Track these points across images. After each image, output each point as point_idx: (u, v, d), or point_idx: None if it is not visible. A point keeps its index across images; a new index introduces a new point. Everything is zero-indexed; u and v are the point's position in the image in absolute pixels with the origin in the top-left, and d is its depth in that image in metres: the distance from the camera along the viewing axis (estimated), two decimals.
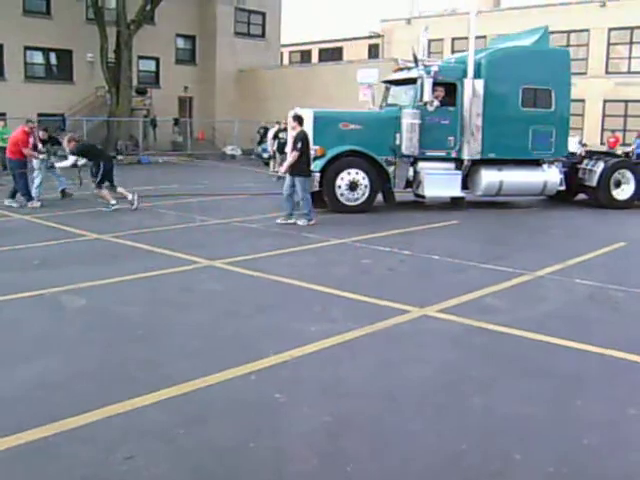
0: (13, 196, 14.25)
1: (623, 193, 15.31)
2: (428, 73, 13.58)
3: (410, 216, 13.34)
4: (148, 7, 32.48)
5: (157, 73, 37.26)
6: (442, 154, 14.21)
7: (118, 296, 7.18)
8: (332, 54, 48.29)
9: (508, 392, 4.75)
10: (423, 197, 14.41)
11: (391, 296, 7.06)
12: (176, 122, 36.04)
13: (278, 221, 12.02)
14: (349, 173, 13.41)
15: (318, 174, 13.14)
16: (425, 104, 13.74)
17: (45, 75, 33.70)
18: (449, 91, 14.08)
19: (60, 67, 34.16)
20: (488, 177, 14.43)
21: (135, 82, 34.17)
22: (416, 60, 14.37)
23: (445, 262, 8.98)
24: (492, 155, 14.39)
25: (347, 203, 13.48)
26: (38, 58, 33.58)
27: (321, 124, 13.49)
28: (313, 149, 12.83)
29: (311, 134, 12.90)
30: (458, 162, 14.29)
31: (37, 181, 14.45)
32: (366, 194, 13.56)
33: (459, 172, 14.23)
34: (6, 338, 5.80)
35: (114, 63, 32.26)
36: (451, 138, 14.10)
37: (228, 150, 33.28)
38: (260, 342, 5.64)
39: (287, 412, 4.36)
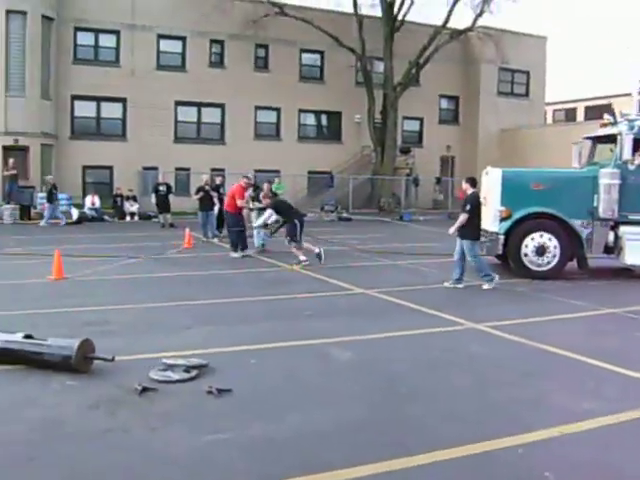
0: (235, 247, 15.34)
1: None
2: (631, 129, 12.36)
3: None
4: (414, 70, 33.61)
5: (420, 133, 38.21)
6: None
7: (383, 352, 7.32)
8: (599, 111, 46.07)
9: None
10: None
11: None
12: (438, 181, 36.54)
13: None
14: (539, 236, 12.45)
15: (502, 237, 12.41)
16: (625, 163, 12.42)
17: (316, 135, 36.10)
18: None
19: (330, 128, 36.42)
20: None
21: (399, 141, 35.31)
22: (614, 115, 13.10)
23: None
24: None
25: (533, 268, 12.49)
26: (310, 120, 36.08)
27: (510, 184, 12.67)
28: (498, 210, 12.32)
29: (499, 194, 12.48)
30: None
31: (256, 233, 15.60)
32: (555, 259, 12.49)
33: None
34: (279, 384, 6.13)
35: (380, 123, 33.66)
36: None
37: None
38: (526, 413, 5.41)
39: None
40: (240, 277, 12.67)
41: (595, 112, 46.30)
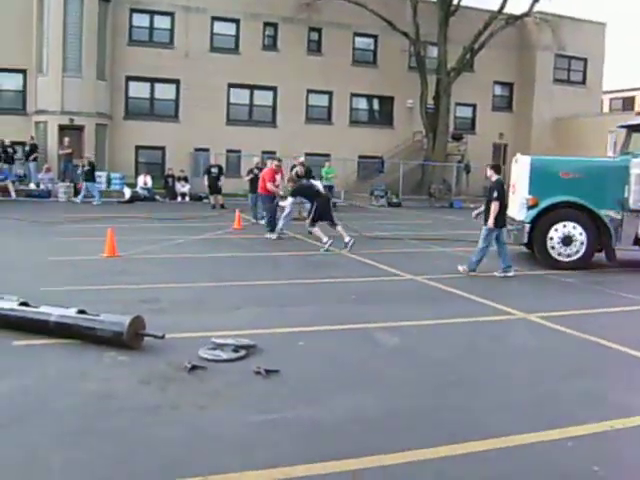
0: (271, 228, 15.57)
1: None
2: None
3: None
4: (468, 55, 33.13)
5: (473, 119, 37.73)
6: None
7: (431, 338, 7.29)
8: None
9: None
10: None
11: None
12: None
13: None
14: (564, 226, 12.21)
15: (528, 225, 12.18)
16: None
17: (367, 120, 35.91)
18: None
19: (382, 112, 36.19)
20: None
21: (451, 128, 34.93)
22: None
23: None
24: None
25: (559, 259, 12.26)
26: (362, 104, 35.89)
27: (538, 172, 12.43)
28: (525, 199, 12.14)
29: (527, 182, 12.34)
30: None
31: (285, 214, 15.58)
32: (582, 250, 12.22)
33: None
34: (327, 367, 6.15)
35: (433, 109, 33.33)
36: None
37: None
38: (577, 407, 5.31)
39: None
40: (289, 259, 12.73)
41: None
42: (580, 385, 5.89)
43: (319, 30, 33.49)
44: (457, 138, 35.42)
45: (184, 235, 14.95)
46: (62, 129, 27.74)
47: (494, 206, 11.08)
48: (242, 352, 6.17)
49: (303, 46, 33.31)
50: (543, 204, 12.25)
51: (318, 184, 16.44)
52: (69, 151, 26.77)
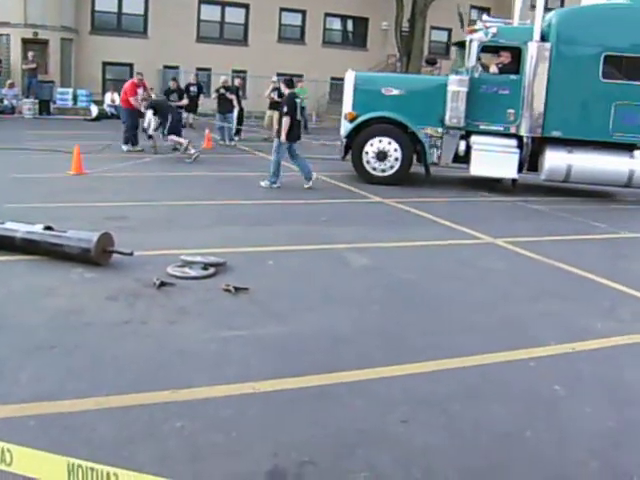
0: (127, 142, 15.66)
1: None
2: (486, 35, 11.98)
3: None
4: None
5: (447, 44, 37.15)
6: (499, 128, 12.36)
7: (399, 260, 7.34)
8: None
9: None
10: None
11: None
12: None
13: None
14: (379, 141, 12.47)
15: (344, 140, 12.59)
16: (472, 70, 12.20)
17: (341, 41, 35.21)
18: (514, 57, 12.17)
19: (356, 34, 35.47)
20: (553, 159, 12.26)
21: (426, 52, 34.40)
22: (461, 20, 13.16)
23: None
24: (557, 133, 12.20)
25: (374, 173, 12.62)
26: (336, 24, 35.13)
27: (361, 88, 12.66)
28: (344, 113, 12.57)
29: (351, 97, 12.58)
30: (520, 139, 12.35)
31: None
32: (397, 165, 12.53)
33: (517, 151, 12.30)
34: (297, 286, 6.18)
35: (407, 32, 32.74)
36: (511, 111, 12.22)
37: None
38: (540, 329, 5.42)
39: (566, 407, 4.12)
40: (257, 179, 12.63)
41: None
42: (543, 308, 6.01)
43: None
44: (431, 63, 34.81)
45: (152, 154, 14.72)
46: (26, 43, 26.75)
47: (285, 120, 11.19)
48: (211, 270, 6.16)
49: None
50: (360, 119, 12.46)
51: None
52: (33, 66, 25.88)
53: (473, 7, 37.09)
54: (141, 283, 5.78)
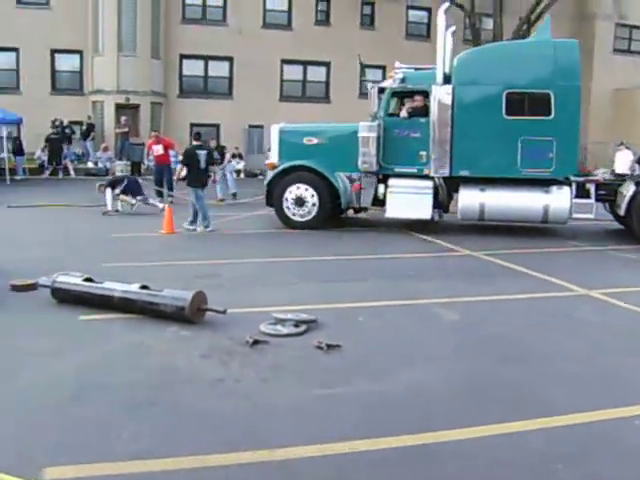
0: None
1: None
2: (395, 81, 12.58)
3: None
4: (525, 27, 32.31)
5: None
6: (413, 171, 12.61)
7: (491, 315, 7.20)
8: None
9: None
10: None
11: None
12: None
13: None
14: (297, 188, 12.94)
15: (266, 188, 13.23)
16: (377, 115, 12.74)
17: None
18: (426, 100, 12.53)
19: None
20: (465, 198, 12.46)
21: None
22: (362, 66, 13.60)
23: None
24: (465, 173, 12.42)
25: (294, 218, 13.03)
26: None
27: (286, 139, 13.33)
28: (265, 164, 13.45)
29: (277, 149, 13.30)
30: (434, 180, 12.57)
31: None
32: (314, 211, 12.94)
33: (430, 192, 12.50)
34: (388, 343, 6.14)
35: None
36: (422, 153, 12.51)
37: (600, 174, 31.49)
38: None
39: None
40: (335, 234, 12.73)
41: None
42: None
43: (372, 3, 33.03)
44: None
45: (240, 212, 15.05)
46: (118, 108, 28.11)
47: (179, 168, 13.36)
48: (303, 327, 6.21)
49: (356, 20, 32.92)
50: (278, 169, 13.15)
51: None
52: (126, 130, 27.14)
53: None
54: (234, 341, 5.87)
